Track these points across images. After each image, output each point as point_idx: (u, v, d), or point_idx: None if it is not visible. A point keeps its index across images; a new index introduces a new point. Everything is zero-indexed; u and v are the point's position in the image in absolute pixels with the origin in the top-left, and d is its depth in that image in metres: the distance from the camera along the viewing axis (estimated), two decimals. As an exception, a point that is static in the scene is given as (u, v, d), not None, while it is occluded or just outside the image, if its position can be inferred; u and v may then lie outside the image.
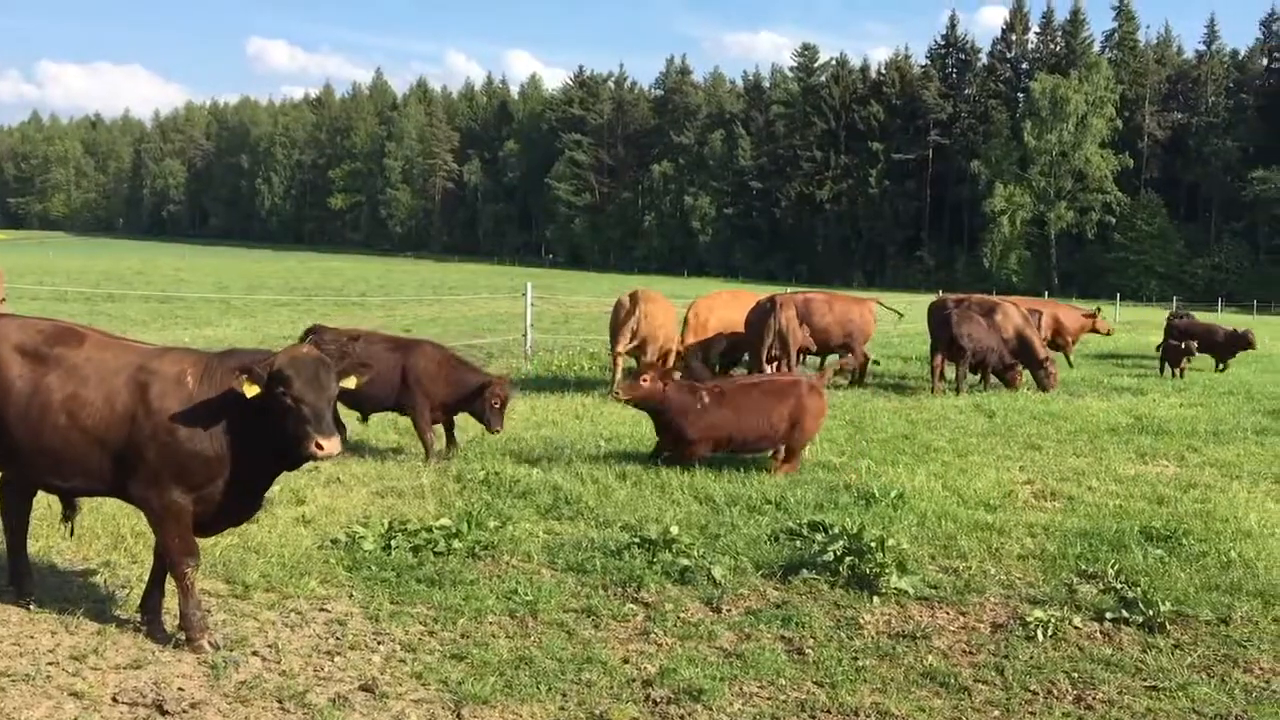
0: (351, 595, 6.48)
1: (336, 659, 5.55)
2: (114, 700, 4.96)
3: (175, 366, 5.52)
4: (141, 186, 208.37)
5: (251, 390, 5.26)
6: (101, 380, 5.49)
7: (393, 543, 7.23)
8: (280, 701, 5.01)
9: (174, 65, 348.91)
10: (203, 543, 7.04)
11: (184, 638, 5.56)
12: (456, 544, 7.27)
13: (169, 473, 5.41)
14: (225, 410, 5.41)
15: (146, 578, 5.95)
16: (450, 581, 6.67)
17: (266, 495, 6.22)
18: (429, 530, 7.40)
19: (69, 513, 6.46)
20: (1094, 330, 23.93)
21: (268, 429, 5.38)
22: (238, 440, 5.44)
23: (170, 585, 5.77)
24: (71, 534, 6.83)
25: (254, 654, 5.57)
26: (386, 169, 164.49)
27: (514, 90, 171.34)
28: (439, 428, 10.73)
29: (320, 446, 5.24)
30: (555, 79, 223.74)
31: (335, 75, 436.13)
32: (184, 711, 4.89)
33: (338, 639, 5.80)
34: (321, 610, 6.22)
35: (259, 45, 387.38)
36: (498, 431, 10.47)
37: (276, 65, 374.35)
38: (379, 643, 5.77)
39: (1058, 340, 21.64)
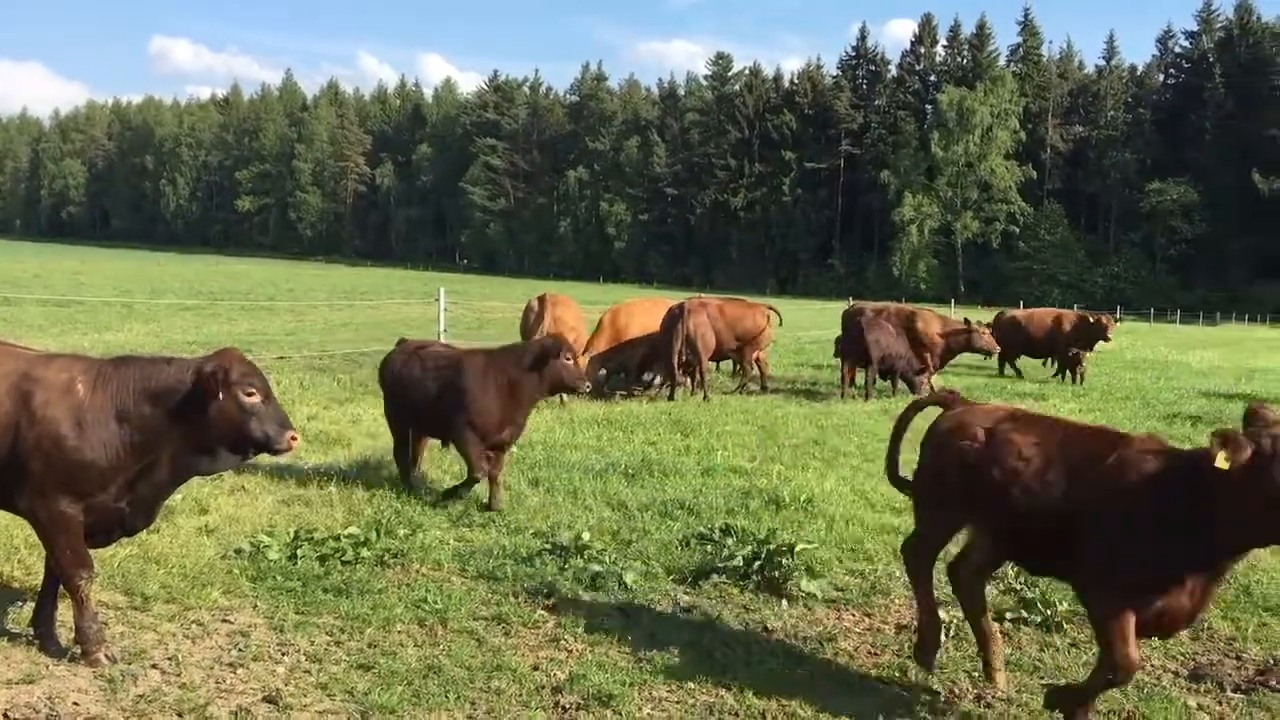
0: (255, 606, 6.36)
1: (239, 671, 5.44)
2: (5, 717, 4.80)
3: (63, 374, 5.33)
4: (39, 187, 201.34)
5: (214, 391, 5.24)
6: None
7: (299, 552, 7.11)
8: (180, 715, 4.91)
9: (75, 63, 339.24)
10: (101, 553, 6.85)
11: (80, 651, 5.41)
12: (365, 552, 7.18)
13: (56, 483, 5.22)
14: (121, 419, 5.28)
15: (39, 590, 5.77)
16: (358, 590, 6.59)
17: (167, 504, 6.09)
18: (336, 539, 7.30)
19: None
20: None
21: (186, 434, 5.34)
22: (134, 449, 5.31)
23: (66, 598, 5.60)
24: None
25: (153, 667, 5.44)
26: (296, 171, 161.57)
27: (428, 94, 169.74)
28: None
29: (294, 438, 5.44)
30: (470, 83, 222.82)
31: (243, 75, 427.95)
32: (78, 727, 4.76)
33: (240, 650, 5.69)
34: (224, 621, 6.09)
35: (162, 44, 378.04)
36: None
37: (181, 64, 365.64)
38: (283, 654, 5.68)
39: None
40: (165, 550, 7.13)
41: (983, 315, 24.00)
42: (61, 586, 5.53)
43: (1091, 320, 22.50)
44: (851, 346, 17.57)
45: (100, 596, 6.24)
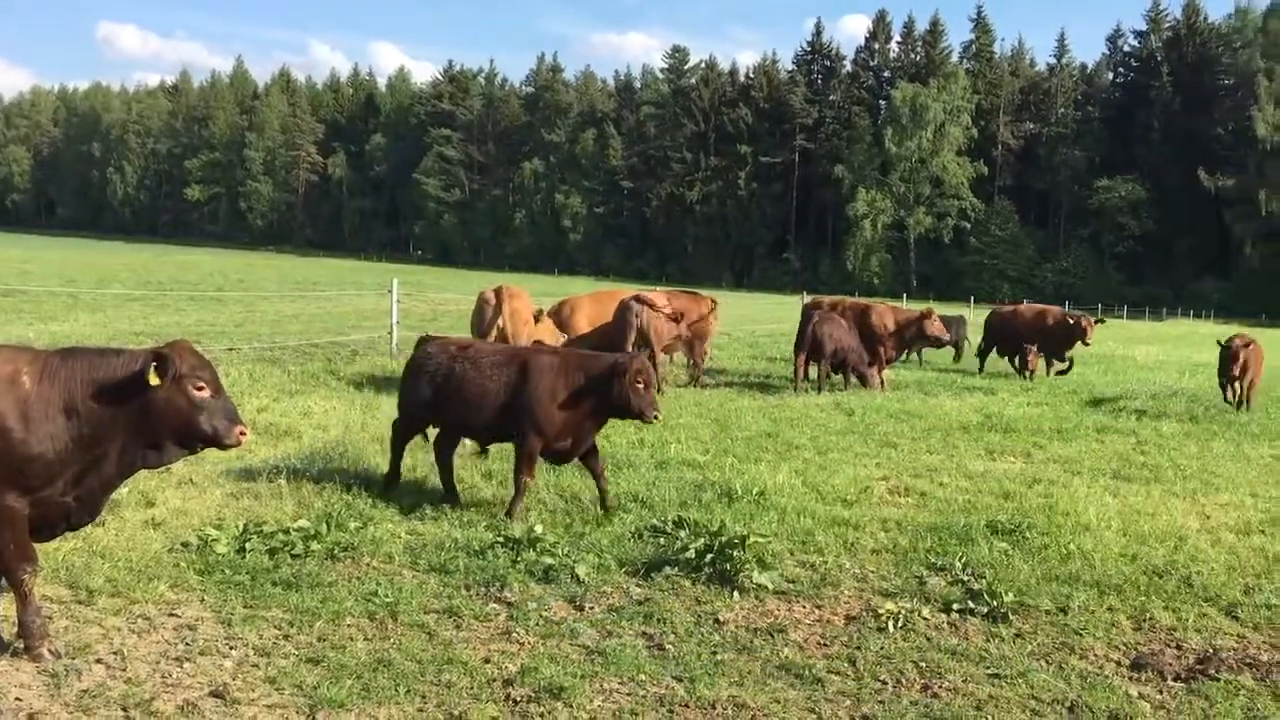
0: (203, 600, 6.29)
1: (186, 665, 5.38)
2: (-56, 714, 4.73)
3: (7, 366, 5.22)
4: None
5: (155, 380, 5.17)
6: None
7: (247, 545, 7.05)
8: (125, 710, 4.85)
9: (20, 48, 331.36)
10: (45, 547, 6.73)
11: (23, 646, 5.32)
12: (315, 546, 7.13)
13: (1, 477, 5.12)
14: (69, 412, 5.19)
15: None
16: (307, 584, 6.54)
17: (113, 497, 6.00)
18: (286, 532, 7.24)
19: None
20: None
21: (134, 427, 5.28)
22: (82, 442, 5.23)
23: (8, 592, 5.51)
24: None
25: (98, 661, 5.37)
26: (247, 160, 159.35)
27: (381, 83, 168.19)
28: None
29: (244, 433, 5.41)
30: (424, 73, 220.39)
31: (192, 62, 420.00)
32: (21, 724, 4.69)
33: (187, 645, 5.63)
34: (171, 615, 6.03)
35: (109, 29, 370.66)
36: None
37: (129, 50, 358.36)
38: (231, 648, 5.63)
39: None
40: (111, 544, 7.03)
41: (939, 310, 24.05)
42: (4, 581, 5.44)
43: (1071, 321, 22.33)
44: (804, 340, 17.69)
45: (44, 590, 6.14)
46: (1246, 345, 16.69)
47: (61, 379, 5.23)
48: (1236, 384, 17.03)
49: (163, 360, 5.19)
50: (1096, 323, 23.56)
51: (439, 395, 8.82)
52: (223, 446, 5.51)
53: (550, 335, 15.73)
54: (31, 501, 5.25)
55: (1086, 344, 22.45)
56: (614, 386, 8.27)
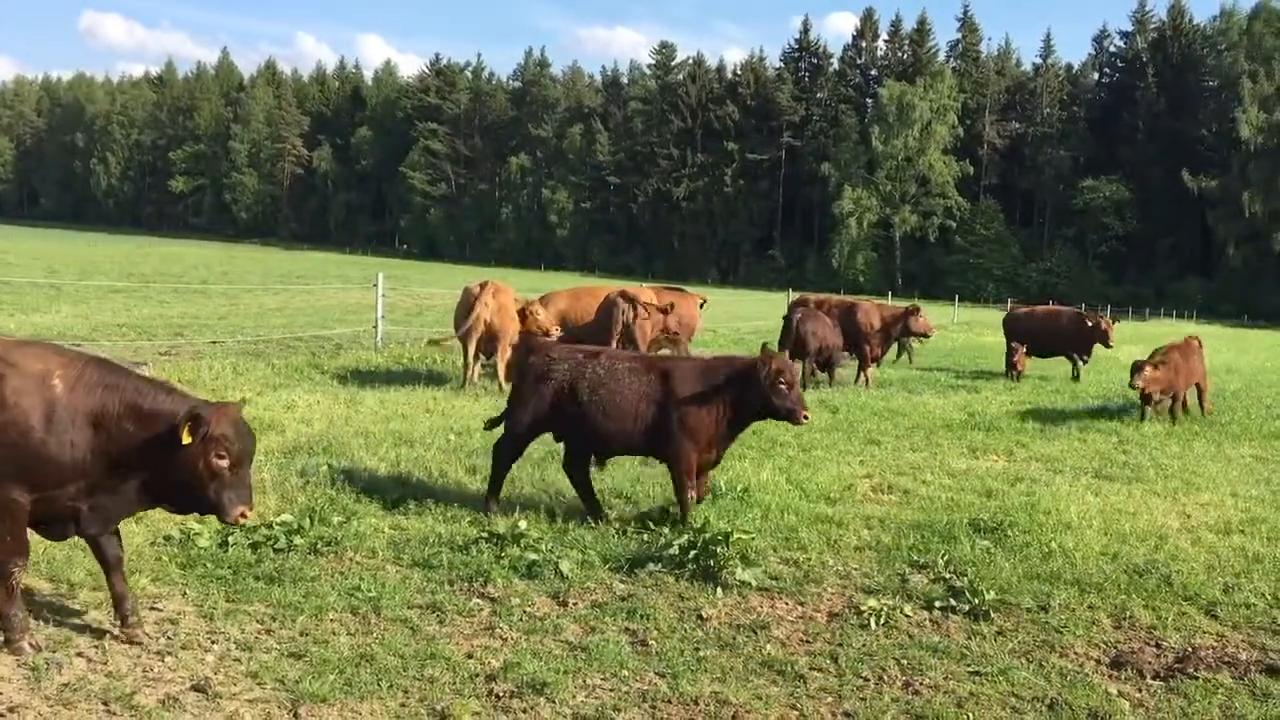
0: (185, 593, 6.28)
1: (167, 659, 5.37)
2: (-78, 708, 4.70)
3: (38, 364, 5.22)
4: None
5: (187, 439, 5.14)
6: None
7: (230, 539, 7.02)
8: (106, 704, 4.84)
9: (2, 37, 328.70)
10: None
11: (2, 639, 5.30)
12: (298, 540, 7.11)
13: (10, 470, 5.11)
14: (98, 426, 5.21)
15: None
16: (290, 579, 6.53)
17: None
18: (269, 526, 7.22)
19: None
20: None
21: (161, 468, 5.27)
22: (103, 458, 5.22)
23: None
24: None
25: (79, 655, 5.36)
26: (232, 152, 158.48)
27: (367, 76, 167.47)
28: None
29: (245, 516, 5.34)
30: (410, 66, 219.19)
31: (177, 53, 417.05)
32: (2, 716, 4.67)
33: (169, 638, 5.61)
34: (152, 609, 6.01)
35: (93, 19, 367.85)
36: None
37: (113, 41, 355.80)
38: (213, 642, 5.61)
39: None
40: (92, 537, 6.98)
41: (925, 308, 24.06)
42: None
43: (1090, 324, 21.84)
44: (788, 338, 17.73)
45: (25, 583, 6.12)
46: (1164, 357, 14.94)
47: (99, 393, 5.24)
48: (1161, 399, 15.08)
49: (196, 421, 5.16)
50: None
51: (563, 408, 8.20)
52: (222, 520, 5.47)
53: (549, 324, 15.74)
54: (38, 498, 5.23)
55: (1108, 346, 21.95)
56: (757, 388, 7.91)
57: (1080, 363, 22.05)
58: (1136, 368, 14.62)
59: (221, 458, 5.24)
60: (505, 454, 8.52)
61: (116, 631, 5.56)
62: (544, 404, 8.27)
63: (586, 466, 8.56)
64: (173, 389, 5.54)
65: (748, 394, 7.97)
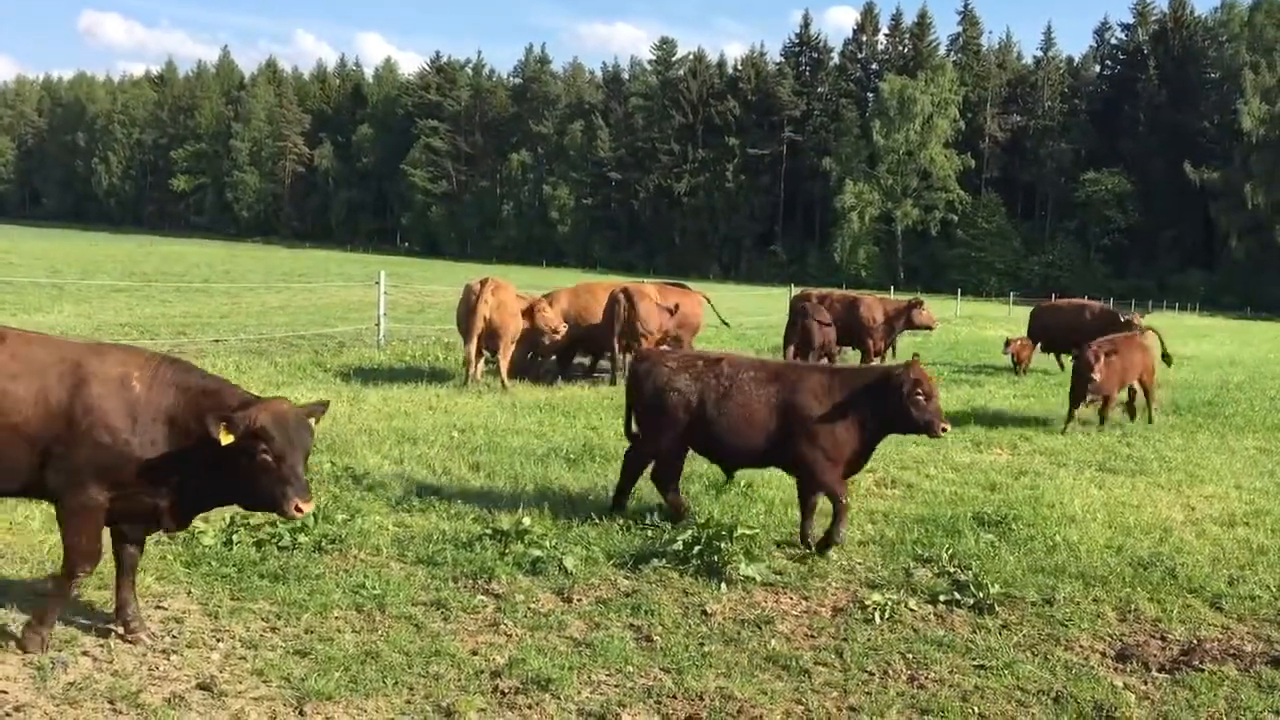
0: (189, 592, 6.28)
1: (173, 657, 5.37)
2: (-72, 707, 4.70)
3: (119, 368, 5.29)
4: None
5: (226, 438, 5.11)
6: (33, 376, 5.19)
7: (234, 537, 7.02)
8: (112, 702, 4.84)
9: (3, 37, 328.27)
10: (30, 539, 6.74)
11: (25, 625, 5.35)
12: (302, 538, 7.11)
13: (93, 471, 5.18)
14: (172, 422, 5.27)
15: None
16: (295, 576, 6.53)
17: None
18: (273, 524, 7.20)
19: None
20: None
21: (223, 466, 5.25)
22: (182, 455, 5.25)
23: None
24: None
25: (84, 654, 5.36)
26: (233, 150, 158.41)
27: (368, 73, 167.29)
28: None
29: (299, 509, 5.22)
30: (410, 64, 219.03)
31: (178, 52, 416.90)
32: (7, 715, 4.67)
33: (174, 637, 5.62)
34: (157, 608, 6.01)
35: (93, 18, 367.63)
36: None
37: (113, 40, 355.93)
38: (218, 640, 5.62)
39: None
40: (96, 536, 6.99)
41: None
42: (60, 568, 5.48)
43: (1123, 320, 20.56)
44: (793, 332, 17.74)
45: (29, 582, 6.14)
46: (1108, 353, 13.47)
47: (172, 392, 5.30)
48: (1094, 398, 13.88)
49: (227, 420, 5.13)
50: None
51: (691, 418, 7.88)
52: (279, 514, 5.40)
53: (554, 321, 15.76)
54: (118, 495, 5.28)
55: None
56: (893, 401, 7.44)
57: None
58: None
59: (264, 452, 5.17)
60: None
61: (121, 630, 5.57)
62: (679, 415, 7.91)
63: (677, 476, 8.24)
64: (233, 387, 5.53)
65: (883, 406, 7.50)
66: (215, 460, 5.24)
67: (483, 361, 15.66)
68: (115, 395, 5.22)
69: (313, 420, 5.47)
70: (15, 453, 5.17)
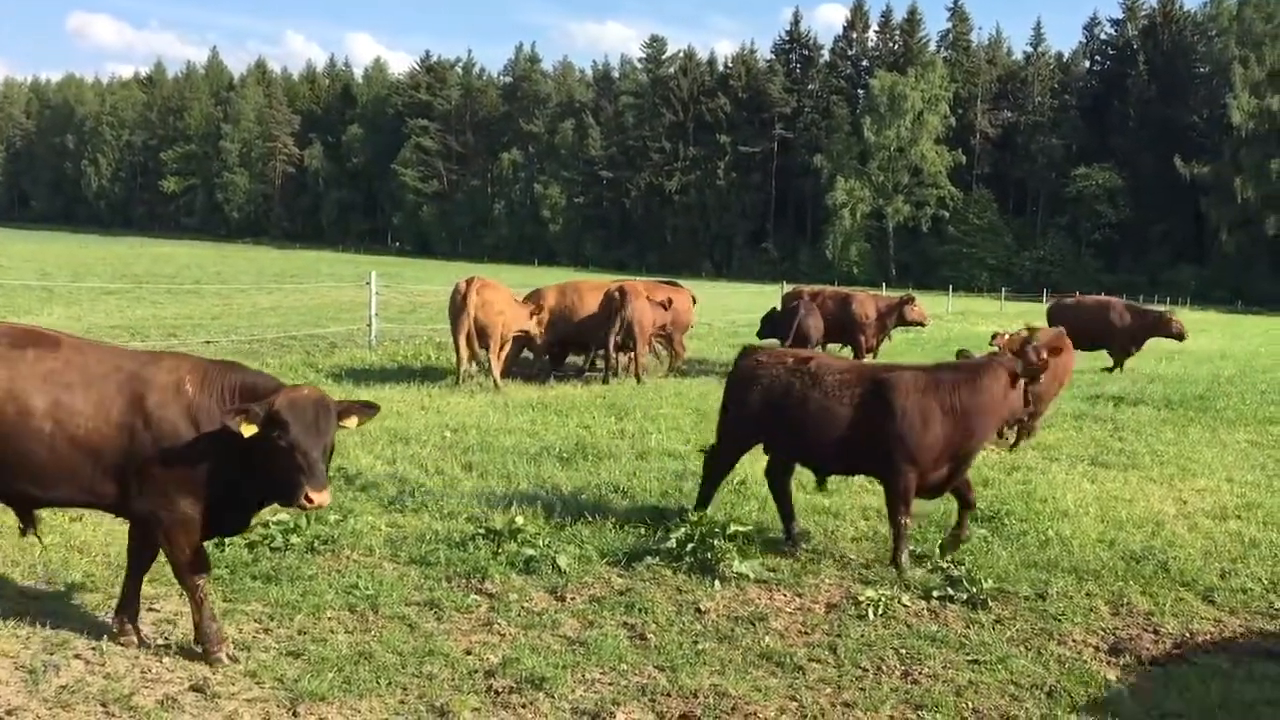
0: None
1: (165, 659, 5.36)
2: (-81, 712, 4.69)
3: (171, 375, 5.28)
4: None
5: (249, 430, 5.06)
6: (90, 387, 5.16)
7: (226, 539, 6.99)
8: (104, 705, 4.83)
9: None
10: (21, 542, 6.70)
11: (200, 651, 5.36)
12: (295, 539, 7.10)
13: (174, 485, 5.17)
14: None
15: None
16: (287, 577, 6.52)
17: None
18: (265, 525, 7.19)
19: (27, 525, 5.67)
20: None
21: (258, 461, 5.21)
22: (239, 453, 5.20)
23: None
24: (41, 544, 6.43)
25: (76, 656, 5.35)
26: (223, 151, 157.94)
27: (357, 73, 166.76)
28: None
29: (310, 500, 5.10)
30: (400, 63, 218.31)
31: (167, 53, 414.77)
32: (-2, 720, 4.66)
33: (166, 639, 5.60)
34: (150, 610, 5.99)
35: (81, 20, 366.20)
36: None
37: (102, 41, 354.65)
38: (211, 642, 5.59)
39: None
40: (88, 538, 6.99)
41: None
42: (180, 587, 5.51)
43: (1156, 316, 20.78)
44: (786, 330, 17.75)
45: (21, 585, 6.12)
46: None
47: (220, 388, 5.28)
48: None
49: (248, 412, 5.08)
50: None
51: (772, 416, 7.62)
52: (288, 504, 5.34)
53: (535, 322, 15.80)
54: (203, 504, 5.28)
55: (1182, 339, 20.75)
56: (1006, 395, 7.19)
57: (1130, 352, 20.75)
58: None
59: (279, 439, 5.10)
60: (715, 465, 8.12)
61: (114, 629, 5.55)
62: (754, 412, 7.71)
63: (789, 476, 8.02)
64: (275, 381, 5.47)
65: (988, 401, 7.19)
66: (255, 456, 5.20)
67: (474, 364, 15.65)
68: (173, 402, 5.21)
69: (353, 418, 5.42)
70: (74, 463, 5.13)
